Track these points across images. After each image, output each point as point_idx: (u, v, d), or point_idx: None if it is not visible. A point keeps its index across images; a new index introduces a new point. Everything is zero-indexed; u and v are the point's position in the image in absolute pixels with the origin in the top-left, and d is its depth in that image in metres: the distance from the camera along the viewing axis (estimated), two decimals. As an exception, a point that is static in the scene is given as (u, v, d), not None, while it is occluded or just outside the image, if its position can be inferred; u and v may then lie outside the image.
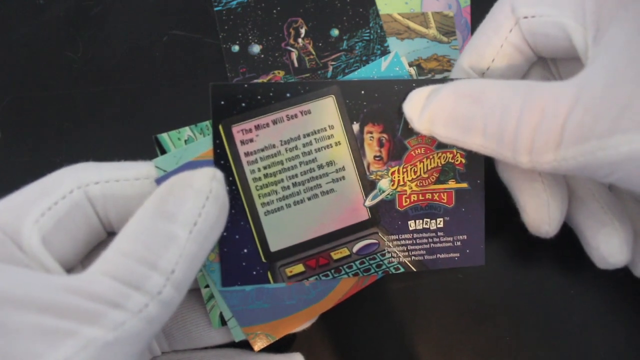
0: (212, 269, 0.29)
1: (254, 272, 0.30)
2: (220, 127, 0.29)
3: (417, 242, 0.32)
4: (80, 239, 0.26)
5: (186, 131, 0.29)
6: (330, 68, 0.38)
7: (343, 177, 0.30)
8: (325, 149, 0.30)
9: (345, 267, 0.31)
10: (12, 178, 0.35)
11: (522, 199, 0.31)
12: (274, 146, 0.29)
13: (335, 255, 0.31)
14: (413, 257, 0.32)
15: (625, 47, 0.23)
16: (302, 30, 0.38)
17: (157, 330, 0.22)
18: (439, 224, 0.32)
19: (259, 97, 0.29)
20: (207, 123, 0.30)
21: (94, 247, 0.28)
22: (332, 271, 0.31)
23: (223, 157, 0.29)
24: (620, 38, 0.23)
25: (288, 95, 0.29)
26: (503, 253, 0.37)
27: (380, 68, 0.32)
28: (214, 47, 0.38)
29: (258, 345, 0.30)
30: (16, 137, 0.36)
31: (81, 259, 0.27)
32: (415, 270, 0.32)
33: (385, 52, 0.38)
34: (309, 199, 0.30)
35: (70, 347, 0.19)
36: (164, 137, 0.29)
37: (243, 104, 0.29)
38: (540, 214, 0.30)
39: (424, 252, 0.32)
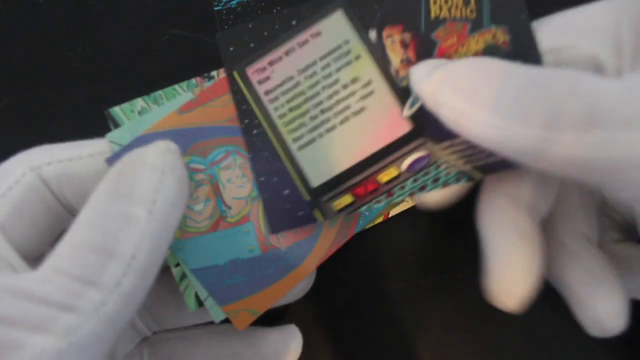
0: (180, 247, 0.28)
1: (300, 213, 0.28)
2: (236, 74, 0.28)
3: (474, 144, 0.26)
4: (41, 224, 0.25)
5: (139, 102, 0.28)
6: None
7: (372, 92, 0.28)
8: (345, 66, 0.28)
9: (397, 188, 0.29)
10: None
11: (494, 267, 0.27)
12: (292, 78, 0.28)
13: (383, 177, 0.29)
14: (474, 162, 0.28)
15: None
16: (303, 30, 0.39)
17: (122, 326, 0.21)
18: None
19: (265, 33, 0.28)
20: (161, 92, 0.28)
21: (60, 231, 0.26)
22: (384, 196, 0.29)
23: (244, 102, 0.28)
24: None
25: (294, 23, 0.28)
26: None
27: None
28: (214, 46, 0.38)
29: (242, 324, 0.28)
30: (16, 137, 0.36)
31: (50, 244, 0.26)
32: (478, 177, 0.28)
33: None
34: (340, 123, 0.28)
35: None
36: (117, 110, 0.28)
37: (252, 45, 0.28)
38: (508, 287, 0.27)
39: (487, 153, 0.27)
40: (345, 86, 0.29)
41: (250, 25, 0.28)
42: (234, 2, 0.39)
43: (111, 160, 0.26)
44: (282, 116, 0.28)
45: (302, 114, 0.28)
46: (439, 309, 0.36)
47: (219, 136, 0.28)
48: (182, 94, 0.29)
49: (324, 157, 0.28)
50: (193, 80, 0.29)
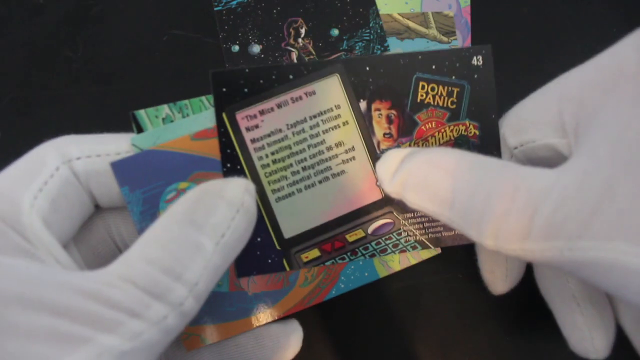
0: None
1: (269, 261, 0.30)
2: (224, 115, 0.28)
3: (433, 218, 0.31)
4: (75, 217, 0.26)
5: (164, 109, 0.29)
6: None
7: (353, 158, 0.30)
8: (333, 129, 0.30)
9: (361, 248, 0.31)
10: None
11: (565, 330, 0.31)
12: (280, 131, 0.29)
13: (351, 237, 0.31)
14: (430, 235, 0.32)
15: (597, 152, 0.22)
16: (302, 30, 0.38)
17: (173, 339, 0.22)
18: None
19: (261, 81, 0.29)
20: (187, 102, 0.29)
21: (84, 221, 0.28)
22: (349, 254, 0.31)
23: (229, 146, 0.29)
24: (594, 143, 0.23)
25: (291, 77, 0.29)
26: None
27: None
28: (214, 47, 0.38)
29: (190, 346, 0.30)
30: (16, 137, 0.36)
31: (74, 236, 0.27)
32: (432, 247, 0.32)
33: (385, 52, 0.39)
34: (319, 182, 0.30)
35: (85, 354, 0.19)
36: (141, 113, 0.28)
37: (245, 90, 0.28)
38: (585, 346, 0.30)
39: (441, 228, 0.32)
40: (329, 148, 0.30)
41: (247, 70, 0.28)
42: (234, 2, 0.38)
43: (116, 165, 0.27)
44: (265, 166, 0.29)
45: (285, 168, 0.29)
46: (439, 309, 0.37)
47: (221, 172, 0.29)
48: (208, 108, 0.29)
49: (300, 212, 0.30)
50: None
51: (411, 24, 0.40)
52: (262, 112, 0.29)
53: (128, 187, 0.27)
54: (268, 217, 0.30)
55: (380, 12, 0.39)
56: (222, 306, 0.30)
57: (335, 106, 0.30)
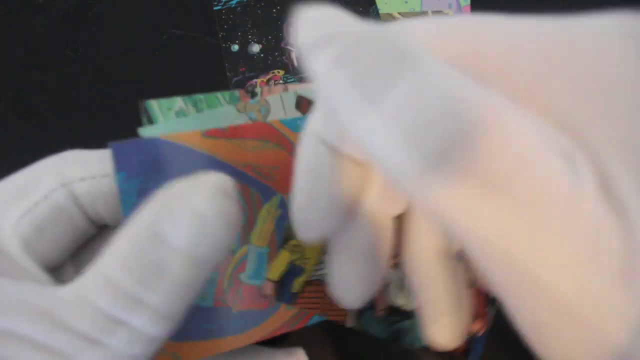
0: None
1: None
2: None
3: None
4: (64, 241, 0.24)
5: (177, 102, 0.26)
6: (330, 67, 0.38)
7: None
8: None
9: None
10: (12, 178, 0.34)
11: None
12: None
13: None
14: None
15: None
16: (302, 30, 0.39)
17: None
18: None
19: None
20: (202, 97, 0.27)
21: (82, 242, 0.26)
22: None
23: None
24: None
25: None
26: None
27: None
28: (213, 46, 0.38)
29: None
30: (16, 137, 0.36)
31: (70, 256, 0.25)
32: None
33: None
34: None
35: None
36: (153, 104, 0.26)
37: None
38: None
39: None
40: None
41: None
42: (234, 2, 0.38)
43: (115, 147, 0.24)
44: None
45: None
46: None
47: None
48: (224, 105, 0.27)
49: None
50: (236, 93, 0.28)
51: (411, 24, 0.39)
52: None
53: (125, 173, 0.24)
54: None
55: (380, 12, 0.39)
56: (202, 322, 0.27)
57: None
